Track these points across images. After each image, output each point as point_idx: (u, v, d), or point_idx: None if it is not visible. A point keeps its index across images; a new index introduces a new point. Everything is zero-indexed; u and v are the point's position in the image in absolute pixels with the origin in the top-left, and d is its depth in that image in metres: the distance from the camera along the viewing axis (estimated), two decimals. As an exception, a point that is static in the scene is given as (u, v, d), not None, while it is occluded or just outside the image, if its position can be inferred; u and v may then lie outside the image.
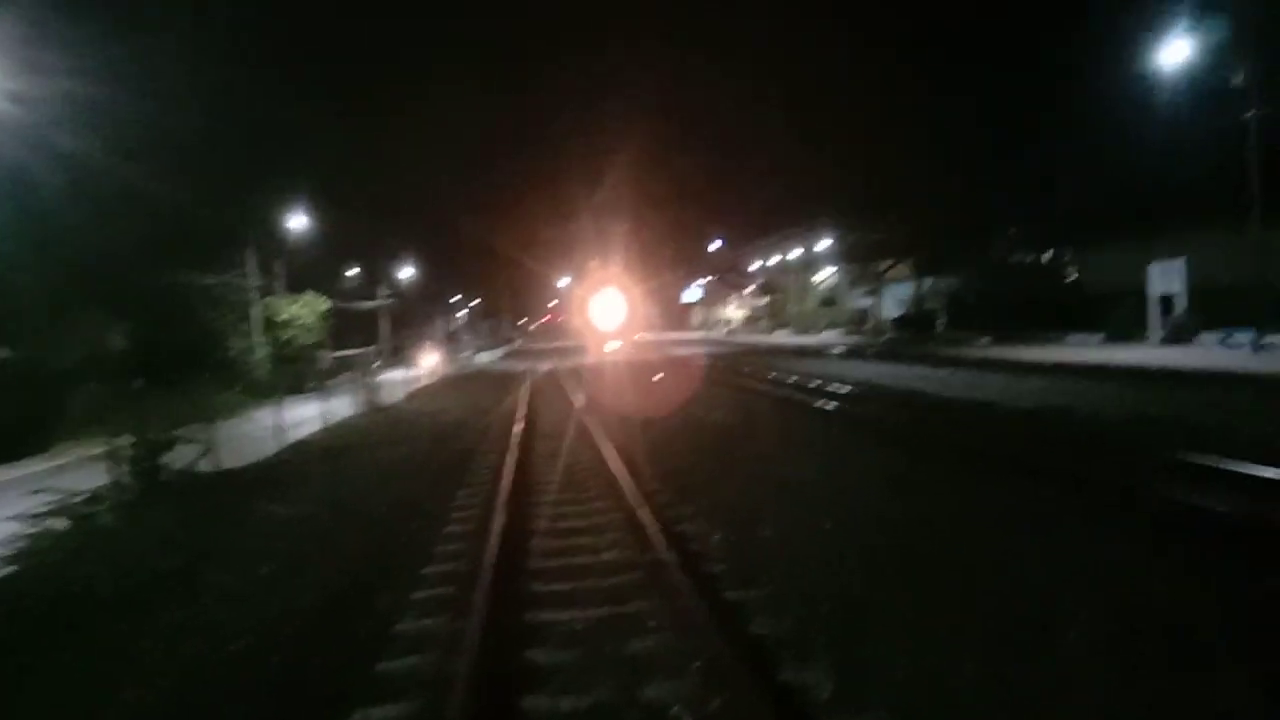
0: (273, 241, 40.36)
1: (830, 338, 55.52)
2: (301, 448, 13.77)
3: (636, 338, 62.28)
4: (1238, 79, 23.30)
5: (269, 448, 13.51)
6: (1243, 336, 24.35)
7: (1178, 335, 27.85)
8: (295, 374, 36.10)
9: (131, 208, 23.96)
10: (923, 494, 8.18)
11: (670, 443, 12.59)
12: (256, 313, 37.23)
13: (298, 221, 41.50)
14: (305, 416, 17.40)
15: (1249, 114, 23.19)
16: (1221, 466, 8.16)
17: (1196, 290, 28.74)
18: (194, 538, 7.61)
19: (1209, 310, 27.65)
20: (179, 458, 9.74)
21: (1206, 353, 23.87)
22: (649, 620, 5.45)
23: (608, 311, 47.71)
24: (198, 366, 29.61)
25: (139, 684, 4.82)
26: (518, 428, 14.12)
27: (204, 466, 10.65)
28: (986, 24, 42.39)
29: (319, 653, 5.15)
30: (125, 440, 9.28)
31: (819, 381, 20.58)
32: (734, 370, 27.35)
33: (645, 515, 7.34)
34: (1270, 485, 7.45)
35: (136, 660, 5.18)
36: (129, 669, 5.04)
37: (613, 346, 49.45)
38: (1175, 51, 24.42)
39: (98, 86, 19.74)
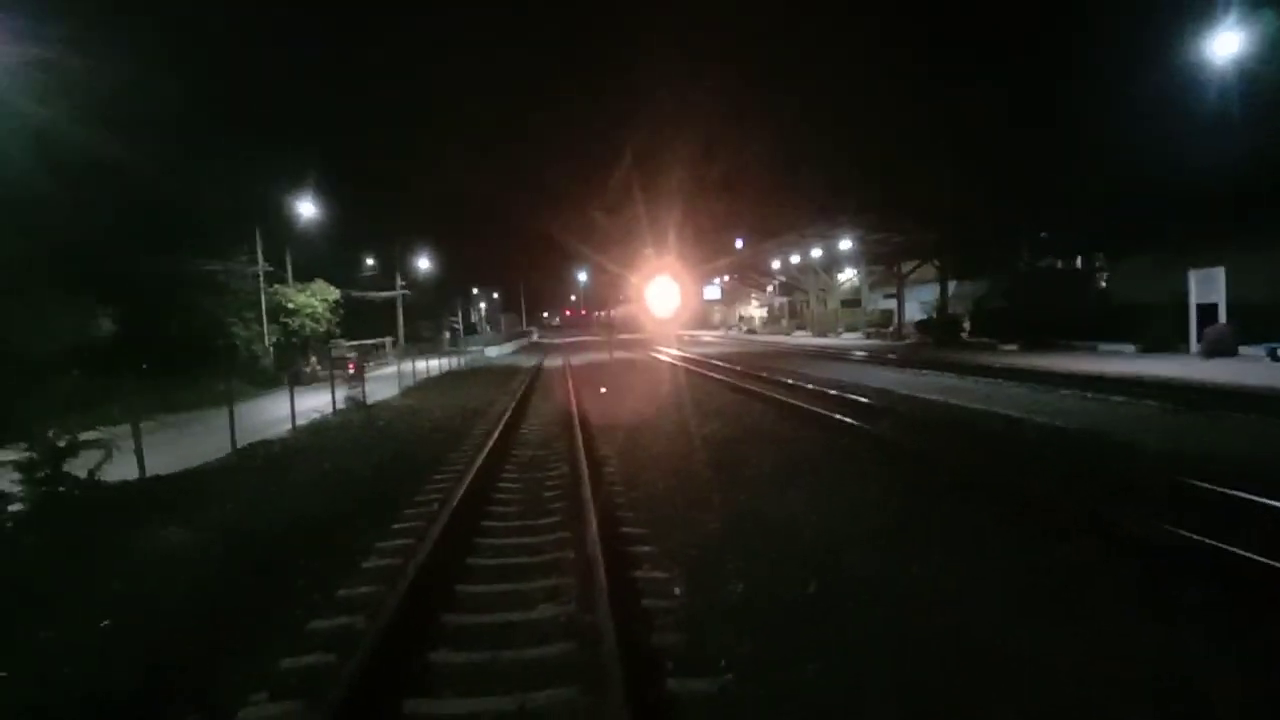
0: (283, 228, 39.27)
1: (850, 340, 53.98)
2: (255, 451, 12.53)
3: (678, 332, 61.29)
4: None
5: (222, 447, 12.29)
6: (1289, 351, 22.75)
7: (1218, 348, 26.17)
8: (299, 363, 35.16)
9: (116, 184, 22.78)
10: (949, 549, 6.79)
11: (657, 457, 11.31)
12: (263, 301, 36.21)
13: (308, 209, 40.09)
14: (286, 413, 16.20)
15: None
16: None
17: (1236, 302, 27.10)
18: (46, 575, 6.31)
19: (1250, 323, 26.01)
20: (92, 463, 8.45)
21: (1250, 368, 22.25)
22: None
23: (662, 300, 46.80)
24: (197, 356, 28.60)
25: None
26: (494, 439, 12.87)
27: (127, 473, 9.45)
28: (1018, 20, 40.61)
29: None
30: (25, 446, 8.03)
31: (839, 391, 19.18)
32: (749, 374, 26.00)
33: (597, 551, 6.09)
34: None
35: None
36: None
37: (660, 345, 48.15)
38: (1223, 45, 22.66)
39: (76, 54, 18.62)
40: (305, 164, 39.84)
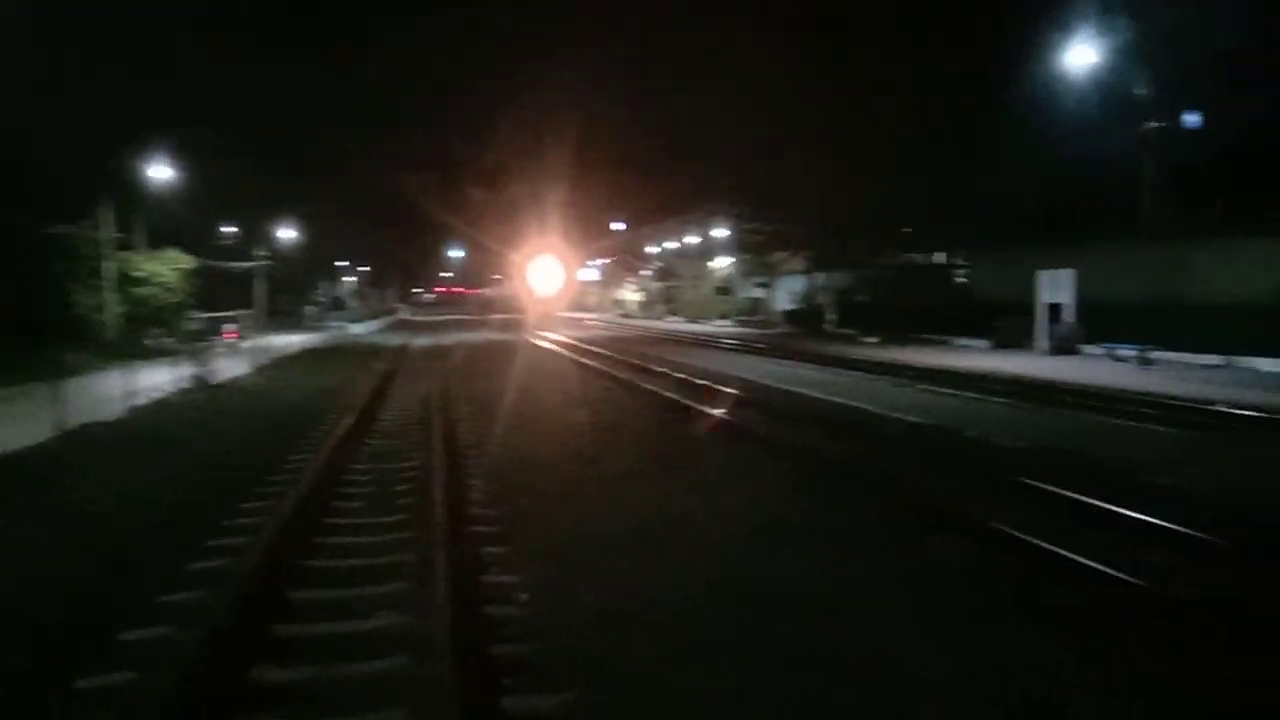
0: (137, 191, 36.83)
1: (722, 327, 54.79)
2: (82, 434, 11.69)
3: (558, 313, 60.93)
4: (1141, 89, 22.86)
5: (44, 432, 11.37)
6: (1127, 350, 24.24)
7: (1063, 346, 27.70)
8: (147, 336, 33.34)
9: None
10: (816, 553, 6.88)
11: (521, 450, 11.14)
12: (109, 268, 33.95)
13: (162, 172, 37.59)
14: (128, 389, 15.12)
15: (1146, 126, 22.81)
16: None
17: (1085, 302, 28.62)
18: None
19: (1096, 323, 27.54)
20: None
21: (1092, 366, 23.62)
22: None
23: (542, 280, 46.13)
24: (37, 326, 26.62)
25: None
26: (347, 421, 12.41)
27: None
28: (890, 21, 41.95)
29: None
30: None
31: (705, 380, 19.33)
32: (619, 361, 26.03)
33: (442, 556, 5.86)
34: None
35: None
36: None
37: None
38: (1080, 56, 23.79)
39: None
40: (166, 122, 37.25)
